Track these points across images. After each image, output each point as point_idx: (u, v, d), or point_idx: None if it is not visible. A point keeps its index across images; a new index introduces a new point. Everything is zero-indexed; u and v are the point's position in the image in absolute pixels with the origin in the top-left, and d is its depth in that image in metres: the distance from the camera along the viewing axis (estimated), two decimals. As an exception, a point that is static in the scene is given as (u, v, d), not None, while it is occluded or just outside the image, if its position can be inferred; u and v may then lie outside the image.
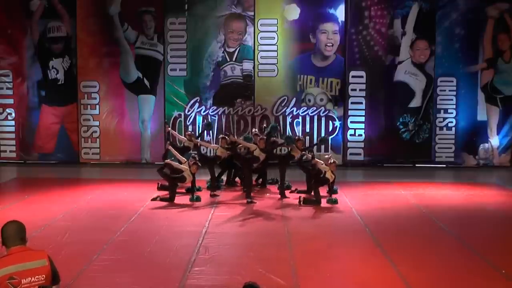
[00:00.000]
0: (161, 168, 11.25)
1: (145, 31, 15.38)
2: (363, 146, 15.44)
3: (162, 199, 10.75)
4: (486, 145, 15.48)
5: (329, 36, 15.22)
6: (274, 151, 12.07)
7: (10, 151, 15.89)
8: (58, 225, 9.00)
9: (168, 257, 7.44)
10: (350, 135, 15.40)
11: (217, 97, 15.40)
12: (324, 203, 10.66)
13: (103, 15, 15.33)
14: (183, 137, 12.95)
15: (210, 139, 15.35)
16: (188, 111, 15.41)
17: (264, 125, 14.28)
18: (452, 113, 15.43)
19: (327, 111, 15.37)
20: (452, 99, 15.40)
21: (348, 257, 7.68)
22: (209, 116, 15.38)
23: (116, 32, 15.37)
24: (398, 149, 15.39)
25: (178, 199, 10.84)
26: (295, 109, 15.35)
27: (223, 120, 15.35)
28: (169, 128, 14.02)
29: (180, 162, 11.11)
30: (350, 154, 15.47)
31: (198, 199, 10.84)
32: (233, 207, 10.51)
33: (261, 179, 12.38)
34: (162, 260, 7.30)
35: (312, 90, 15.36)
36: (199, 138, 13.03)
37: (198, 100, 15.41)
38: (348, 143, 15.45)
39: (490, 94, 15.37)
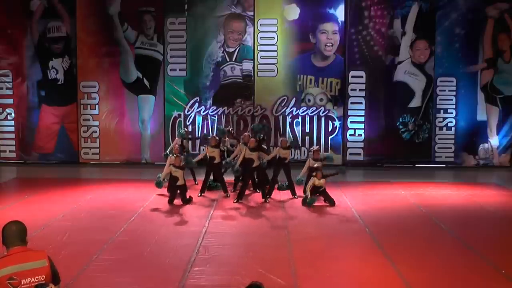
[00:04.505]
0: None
1: (145, 31, 15.39)
2: (363, 146, 15.44)
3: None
4: (486, 145, 15.48)
5: (329, 36, 15.23)
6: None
7: (10, 151, 15.90)
8: (58, 225, 8.99)
9: (168, 257, 7.44)
10: (350, 135, 15.41)
11: (217, 97, 15.40)
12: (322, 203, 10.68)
13: (103, 15, 15.34)
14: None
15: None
16: (188, 111, 15.42)
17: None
18: (452, 113, 15.44)
19: (327, 111, 15.37)
20: (452, 99, 15.42)
21: (348, 257, 7.67)
22: (209, 116, 15.40)
23: (116, 32, 15.37)
24: (398, 149, 15.40)
25: (177, 199, 10.83)
26: (294, 109, 15.36)
27: (223, 120, 15.35)
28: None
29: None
30: (350, 154, 15.48)
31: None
32: (233, 207, 10.50)
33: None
34: (162, 260, 7.29)
35: (312, 90, 15.37)
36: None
37: (198, 100, 15.41)
38: (348, 143, 15.45)
39: (490, 94, 15.38)
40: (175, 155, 10.83)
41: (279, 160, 11.33)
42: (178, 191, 10.63)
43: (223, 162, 11.41)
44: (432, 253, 7.74)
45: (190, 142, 13.58)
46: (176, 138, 12.74)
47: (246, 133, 11.81)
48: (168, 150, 12.09)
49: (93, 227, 8.94)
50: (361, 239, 8.51)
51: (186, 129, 13.42)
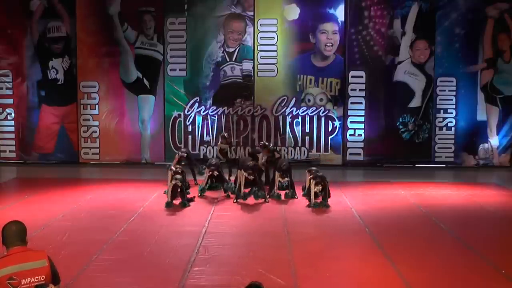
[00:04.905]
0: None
1: (145, 31, 15.39)
2: (363, 146, 15.44)
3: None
4: (486, 145, 15.48)
5: (329, 36, 15.22)
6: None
7: (10, 151, 15.89)
8: (58, 225, 8.99)
9: (168, 257, 7.43)
10: (350, 135, 15.40)
11: (217, 97, 15.40)
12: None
13: (103, 15, 15.33)
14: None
15: (210, 139, 15.37)
16: (188, 111, 15.42)
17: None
18: (452, 113, 15.44)
19: (327, 111, 15.37)
20: (452, 99, 15.41)
21: (348, 257, 7.67)
22: (209, 116, 15.41)
23: (116, 32, 15.37)
24: (398, 149, 15.39)
25: (178, 199, 10.82)
26: (294, 109, 15.35)
27: (223, 120, 15.35)
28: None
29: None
30: (350, 154, 15.47)
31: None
32: (233, 207, 10.50)
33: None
34: (162, 260, 7.29)
35: (311, 90, 15.37)
36: None
37: (197, 100, 15.41)
38: (348, 143, 15.45)
39: (490, 94, 15.38)
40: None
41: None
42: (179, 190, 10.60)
43: (224, 185, 11.40)
44: (432, 253, 7.74)
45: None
46: (178, 154, 12.35)
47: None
48: (172, 165, 11.60)
49: (93, 227, 8.93)
50: (361, 239, 8.50)
51: (185, 149, 13.09)
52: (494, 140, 15.45)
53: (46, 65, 15.59)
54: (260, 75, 15.37)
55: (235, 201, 10.80)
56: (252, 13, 15.25)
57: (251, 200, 10.99)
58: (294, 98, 15.35)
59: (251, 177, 10.74)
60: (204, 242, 8.07)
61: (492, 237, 8.79)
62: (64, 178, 13.63)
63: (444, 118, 15.47)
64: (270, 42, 15.28)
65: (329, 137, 15.36)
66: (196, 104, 15.42)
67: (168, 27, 15.33)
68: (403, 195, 11.77)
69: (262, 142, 13.34)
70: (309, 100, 15.38)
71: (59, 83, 15.68)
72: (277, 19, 15.22)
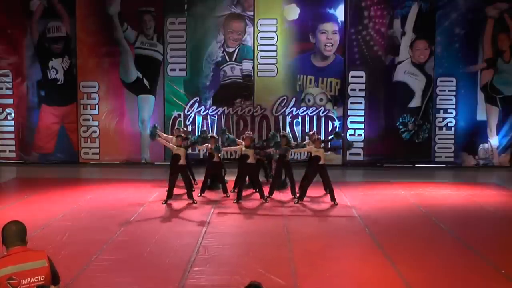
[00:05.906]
0: None
1: (144, 31, 15.40)
2: (363, 146, 15.44)
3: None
4: (486, 145, 15.49)
5: (329, 36, 15.23)
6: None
7: (10, 151, 15.90)
8: (58, 225, 8.99)
9: (168, 257, 7.43)
10: (350, 135, 15.40)
11: (216, 97, 15.41)
12: (324, 200, 10.68)
13: (103, 15, 15.34)
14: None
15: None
16: (188, 111, 15.42)
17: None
18: (451, 113, 15.44)
19: (327, 111, 15.38)
20: (451, 99, 15.42)
21: (348, 257, 7.67)
22: (208, 116, 15.40)
23: (115, 32, 15.38)
24: (398, 149, 15.40)
25: (177, 199, 10.83)
26: (294, 109, 15.36)
27: (223, 120, 15.35)
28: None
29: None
30: (350, 154, 15.46)
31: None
32: (233, 207, 10.51)
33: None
34: (162, 260, 7.29)
35: (311, 90, 15.37)
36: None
37: (197, 100, 15.42)
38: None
39: (489, 94, 15.39)
40: (175, 136, 10.81)
41: (279, 158, 11.34)
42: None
43: (215, 146, 11.23)
44: (432, 253, 7.74)
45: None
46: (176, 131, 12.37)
47: (247, 134, 11.45)
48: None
49: (93, 227, 8.94)
50: (361, 239, 8.50)
51: (184, 128, 13.20)
52: (494, 140, 15.46)
53: (46, 65, 15.60)
54: (260, 75, 15.37)
55: (235, 201, 10.80)
56: (252, 13, 15.25)
57: (251, 200, 11.01)
58: (294, 98, 15.35)
59: (249, 150, 10.80)
60: (204, 242, 8.07)
61: (492, 237, 8.79)
62: (64, 178, 13.64)
63: (444, 118, 15.47)
64: (270, 42, 15.29)
65: (329, 137, 15.33)
66: (196, 104, 15.42)
67: (168, 27, 15.34)
68: (403, 195, 11.77)
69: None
70: (309, 100, 15.39)
71: (59, 83, 15.69)
72: (277, 19, 15.23)
